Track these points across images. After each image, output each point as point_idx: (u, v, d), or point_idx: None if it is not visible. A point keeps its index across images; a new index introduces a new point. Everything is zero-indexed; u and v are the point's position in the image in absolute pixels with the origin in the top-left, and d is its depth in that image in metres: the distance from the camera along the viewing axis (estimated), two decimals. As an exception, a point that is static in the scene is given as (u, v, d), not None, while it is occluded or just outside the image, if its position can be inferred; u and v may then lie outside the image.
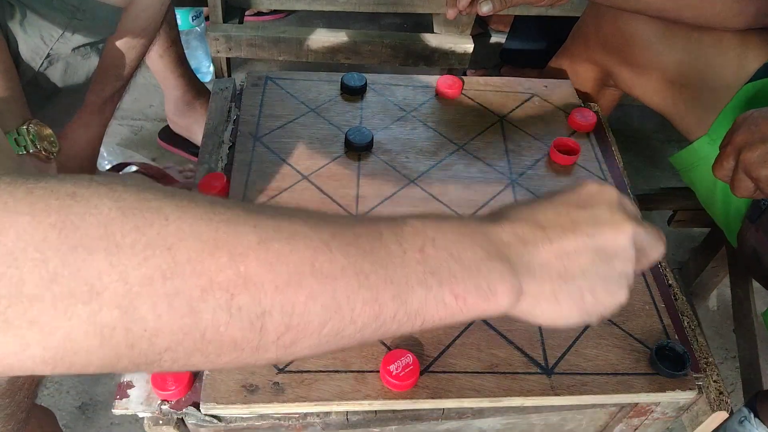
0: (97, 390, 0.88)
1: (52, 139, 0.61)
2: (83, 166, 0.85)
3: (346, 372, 0.49)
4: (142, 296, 0.25)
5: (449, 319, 0.32)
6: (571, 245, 0.34)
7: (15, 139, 0.58)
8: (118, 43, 0.72)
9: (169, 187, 0.28)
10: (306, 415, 0.49)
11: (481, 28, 1.64)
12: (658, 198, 1.03)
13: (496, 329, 0.54)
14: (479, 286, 0.32)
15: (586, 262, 0.35)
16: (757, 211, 0.69)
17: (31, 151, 0.59)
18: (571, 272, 0.34)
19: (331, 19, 1.58)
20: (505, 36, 1.44)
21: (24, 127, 0.59)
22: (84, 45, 0.65)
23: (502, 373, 0.50)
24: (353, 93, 0.75)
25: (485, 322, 0.54)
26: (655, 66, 0.76)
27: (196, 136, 1.15)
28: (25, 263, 0.23)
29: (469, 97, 0.77)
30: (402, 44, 1.11)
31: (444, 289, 0.31)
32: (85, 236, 0.24)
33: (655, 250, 0.38)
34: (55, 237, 0.24)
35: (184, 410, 0.48)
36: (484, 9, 0.68)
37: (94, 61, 0.68)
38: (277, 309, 0.27)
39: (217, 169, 0.66)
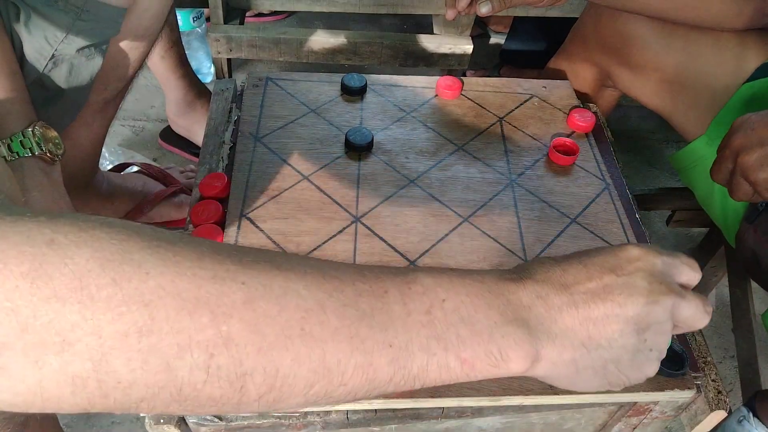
0: (98, 390, 0.88)
1: (57, 141, 0.62)
2: (84, 166, 0.85)
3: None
4: (116, 351, 0.24)
5: (453, 381, 0.31)
6: (598, 312, 0.32)
7: (21, 141, 0.58)
8: (121, 44, 0.73)
9: (162, 232, 0.28)
10: (306, 413, 0.50)
11: (480, 29, 1.64)
12: (657, 198, 1.04)
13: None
14: (490, 352, 0.30)
15: (613, 332, 0.32)
16: (755, 213, 0.69)
17: (36, 153, 0.59)
18: (596, 341, 0.32)
19: (332, 20, 1.58)
20: (505, 37, 1.44)
21: (30, 129, 0.59)
22: (88, 46, 0.65)
23: (502, 372, 0.51)
24: (353, 94, 0.75)
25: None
26: (653, 66, 0.77)
27: (197, 136, 1.16)
28: None
29: (469, 98, 0.77)
30: (402, 45, 1.12)
31: (449, 354, 0.30)
32: (59, 287, 0.24)
33: (699, 321, 0.36)
34: (27, 287, 0.23)
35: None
36: (483, 10, 0.69)
37: (98, 61, 0.68)
38: (260, 371, 0.26)
39: (218, 169, 0.66)
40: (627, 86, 0.81)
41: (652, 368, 0.34)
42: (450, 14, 0.71)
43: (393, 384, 0.29)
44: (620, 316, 0.33)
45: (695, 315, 0.35)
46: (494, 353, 0.30)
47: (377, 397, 0.30)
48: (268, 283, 0.27)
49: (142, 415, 0.49)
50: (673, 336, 0.54)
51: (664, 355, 0.35)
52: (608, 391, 0.35)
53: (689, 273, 0.36)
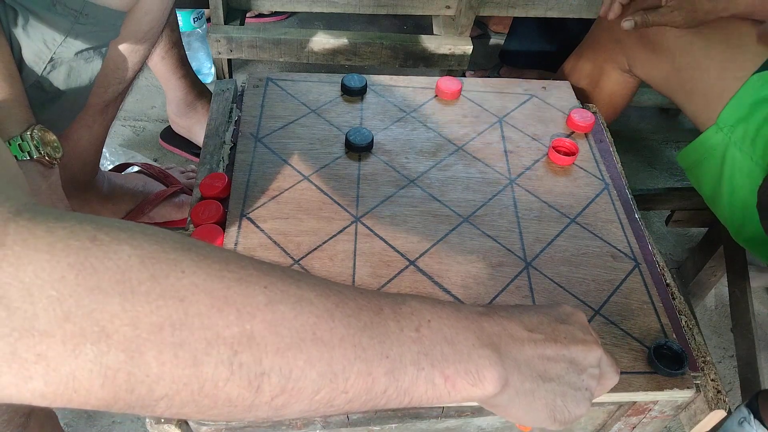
0: (99, 389, 0.88)
1: (55, 144, 0.61)
2: (85, 166, 0.86)
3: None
4: (150, 343, 0.25)
5: (436, 401, 0.33)
6: (551, 352, 0.37)
7: (19, 144, 0.58)
8: (121, 47, 0.73)
9: (187, 238, 0.29)
10: (307, 413, 0.50)
11: (480, 29, 1.64)
12: (656, 198, 1.04)
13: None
14: (469, 371, 0.33)
15: (561, 370, 0.38)
16: None
17: (34, 157, 0.59)
18: (549, 375, 0.37)
19: (332, 21, 1.59)
20: (504, 37, 1.44)
21: (28, 132, 0.59)
22: (87, 49, 0.65)
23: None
24: (353, 94, 0.75)
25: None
26: (668, 52, 0.77)
27: (198, 136, 1.16)
28: (41, 300, 0.24)
29: (469, 99, 0.78)
30: (402, 46, 1.12)
31: (435, 370, 0.32)
32: (103, 279, 0.25)
33: (611, 379, 0.42)
34: (72, 277, 0.24)
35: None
36: (626, 25, 0.74)
37: (97, 64, 0.68)
38: (276, 371, 0.28)
39: (219, 169, 0.67)
40: (645, 70, 0.82)
41: (585, 407, 0.39)
42: (609, 13, 0.77)
43: (386, 397, 0.31)
44: (566, 356, 0.38)
45: (610, 370, 0.41)
46: (473, 372, 0.33)
47: (370, 410, 0.32)
48: (285, 290, 0.29)
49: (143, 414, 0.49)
50: (672, 336, 0.55)
51: (594, 399, 0.40)
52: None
53: (596, 334, 0.42)
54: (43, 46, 0.62)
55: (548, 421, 0.37)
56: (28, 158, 0.59)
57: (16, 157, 0.59)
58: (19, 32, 0.61)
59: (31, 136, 0.59)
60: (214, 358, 0.26)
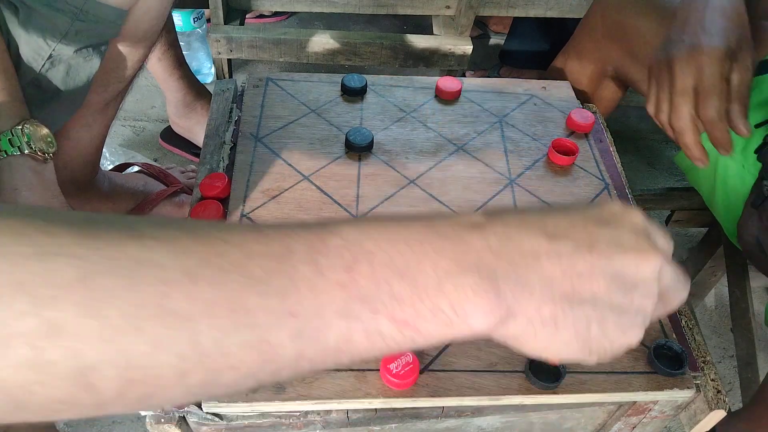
0: (99, 389, 0.88)
1: (48, 139, 0.60)
2: (86, 166, 0.86)
3: (346, 371, 0.49)
4: None
5: (397, 349, 0.26)
6: (584, 265, 0.28)
7: (9, 139, 0.57)
8: (121, 46, 0.73)
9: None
10: (307, 413, 0.50)
11: (480, 29, 1.64)
12: (656, 198, 1.04)
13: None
14: (438, 309, 0.25)
15: (599, 288, 0.28)
16: (760, 198, 0.69)
17: (26, 151, 0.58)
18: (580, 296, 0.28)
19: (332, 21, 1.59)
20: (504, 38, 1.44)
21: (19, 127, 0.58)
22: (86, 47, 0.65)
23: (502, 371, 0.51)
24: (353, 94, 0.75)
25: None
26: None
27: (198, 137, 1.16)
28: None
29: (469, 99, 0.78)
30: (401, 46, 1.12)
31: (380, 317, 0.25)
32: None
33: (679, 294, 0.32)
34: None
35: (185, 408, 0.48)
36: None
37: (95, 62, 0.68)
38: (106, 363, 0.22)
39: (219, 169, 0.67)
40: (635, 79, 0.82)
41: (637, 334, 0.30)
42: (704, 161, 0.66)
43: (308, 360, 0.25)
44: (607, 271, 0.28)
45: (677, 284, 0.31)
46: (444, 310, 0.26)
47: (309, 374, 0.26)
48: (114, 255, 0.22)
49: (143, 414, 0.49)
50: (672, 336, 0.55)
51: (648, 323, 0.30)
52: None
53: (665, 240, 0.32)
54: (42, 42, 0.62)
55: (581, 353, 0.29)
56: (19, 153, 0.58)
57: (6, 152, 0.58)
58: (18, 28, 0.61)
59: (22, 131, 0.58)
60: (12, 361, 0.21)
